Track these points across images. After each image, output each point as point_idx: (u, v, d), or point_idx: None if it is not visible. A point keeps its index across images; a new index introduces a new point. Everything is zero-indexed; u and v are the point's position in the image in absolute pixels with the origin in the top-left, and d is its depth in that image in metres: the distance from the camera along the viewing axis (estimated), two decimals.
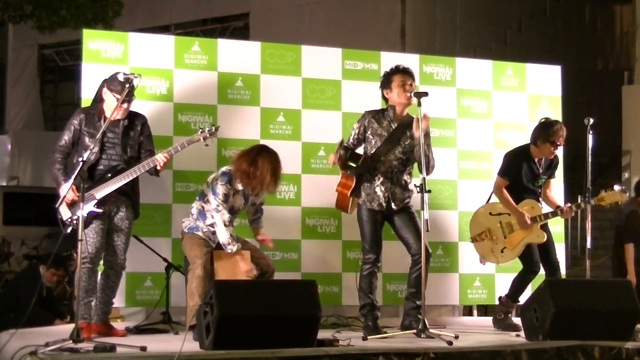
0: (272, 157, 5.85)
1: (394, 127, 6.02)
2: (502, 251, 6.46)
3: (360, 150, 6.12)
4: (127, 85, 5.51)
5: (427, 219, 5.56)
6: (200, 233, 5.90)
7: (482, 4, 13.93)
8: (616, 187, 6.43)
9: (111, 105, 5.64)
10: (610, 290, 5.66)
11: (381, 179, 5.99)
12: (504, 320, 6.49)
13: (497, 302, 6.74)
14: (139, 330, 6.04)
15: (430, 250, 5.92)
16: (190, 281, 5.66)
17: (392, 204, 6.00)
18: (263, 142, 6.77)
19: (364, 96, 7.03)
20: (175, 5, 15.57)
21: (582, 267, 7.21)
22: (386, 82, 6.08)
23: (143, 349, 4.81)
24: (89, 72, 6.55)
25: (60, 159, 5.75)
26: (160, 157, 5.67)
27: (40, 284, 8.48)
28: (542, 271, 6.50)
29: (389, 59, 7.10)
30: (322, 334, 5.22)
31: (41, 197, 12.24)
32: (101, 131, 5.49)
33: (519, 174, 6.43)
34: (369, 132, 6.05)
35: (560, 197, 7.25)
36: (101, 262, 5.78)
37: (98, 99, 5.81)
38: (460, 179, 7.38)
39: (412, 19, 12.76)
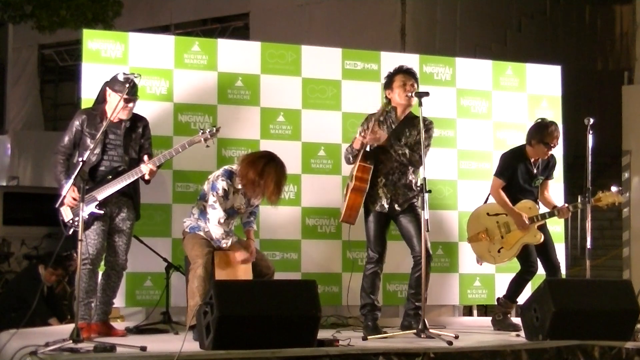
0: (278, 168, 5.81)
1: (394, 128, 6.03)
2: (499, 251, 6.46)
3: None
4: (127, 85, 5.51)
5: (427, 219, 5.57)
6: (201, 233, 5.89)
7: (482, 4, 13.90)
8: (613, 188, 6.43)
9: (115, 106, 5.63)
10: (610, 290, 5.67)
11: (383, 180, 5.99)
12: (502, 320, 6.48)
13: (496, 303, 6.75)
14: (139, 330, 6.05)
15: (431, 253, 5.92)
16: (191, 281, 5.66)
17: (395, 205, 5.99)
18: (263, 142, 6.78)
19: (364, 96, 7.05)
20: (175, 5, 15.54)
21: (582, 267, 7.19)
22: (388, 82, 6.09)
23: (143, 349, 4.82)
24: (89, 72, 6.55)
25: (62, 160, 5.75)
26: (144, 168, 5.62)
27: (41, 283, 8.51)
28: (542, 271, 6.50)
29: (389, 59, 7.11)
30: (322, 334, 5.22)
31: (41, 197, 12.22)
32: (101, 131, 5.47)
33: (516, 174, 6.43)
34: None
35: (559, 198, 7.24)
36: (102, 263, 5.78)
37: (100, 100, 5.80)
38: (460, 179, 7.38)
39: (412, 19, 12.73)
